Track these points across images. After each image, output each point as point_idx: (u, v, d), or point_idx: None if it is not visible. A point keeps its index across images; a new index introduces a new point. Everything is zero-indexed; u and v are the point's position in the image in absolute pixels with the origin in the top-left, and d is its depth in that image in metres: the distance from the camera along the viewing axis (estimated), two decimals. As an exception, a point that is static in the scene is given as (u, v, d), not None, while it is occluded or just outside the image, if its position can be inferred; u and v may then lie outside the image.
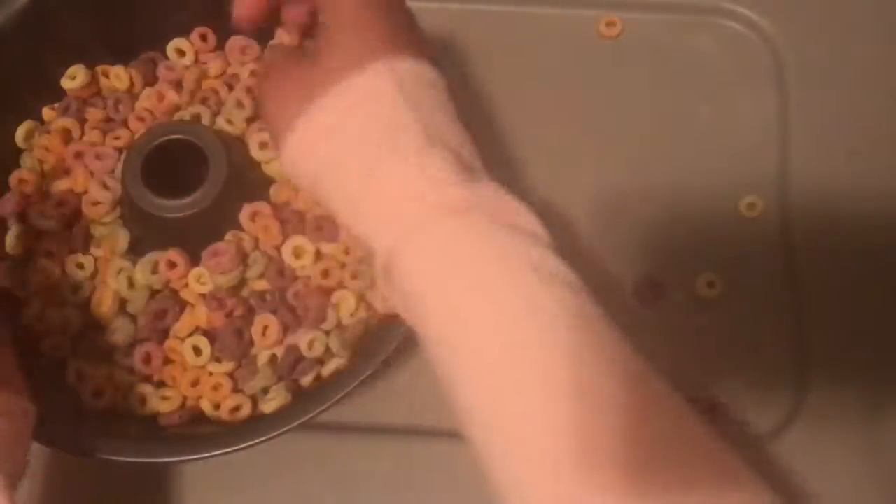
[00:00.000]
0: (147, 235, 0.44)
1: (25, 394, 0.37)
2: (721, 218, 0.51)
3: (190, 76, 0.49)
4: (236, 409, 0.42)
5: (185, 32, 0.50)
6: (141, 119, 0.48)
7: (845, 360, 0.49)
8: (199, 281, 0.43)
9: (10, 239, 0.46)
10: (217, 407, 0.43)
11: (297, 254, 0.43)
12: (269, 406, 0.41)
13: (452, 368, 0.30)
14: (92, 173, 0.46)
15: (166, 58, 0.50)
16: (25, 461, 0.36)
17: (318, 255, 0.44)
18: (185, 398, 0.43)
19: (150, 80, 0.50)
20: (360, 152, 0.31)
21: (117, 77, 0.49)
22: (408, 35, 0.34)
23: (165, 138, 0.43)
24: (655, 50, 0.55)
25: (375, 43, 0.32)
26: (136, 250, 0.45)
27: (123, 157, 0.45)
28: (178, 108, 0.48)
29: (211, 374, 0.43)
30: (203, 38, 0.50)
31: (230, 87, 0.49)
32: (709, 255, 0.50)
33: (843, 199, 0.51)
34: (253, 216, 0.44)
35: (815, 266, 0.50)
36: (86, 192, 0.46)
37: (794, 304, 0.50)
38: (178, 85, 0.49)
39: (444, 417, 0.46)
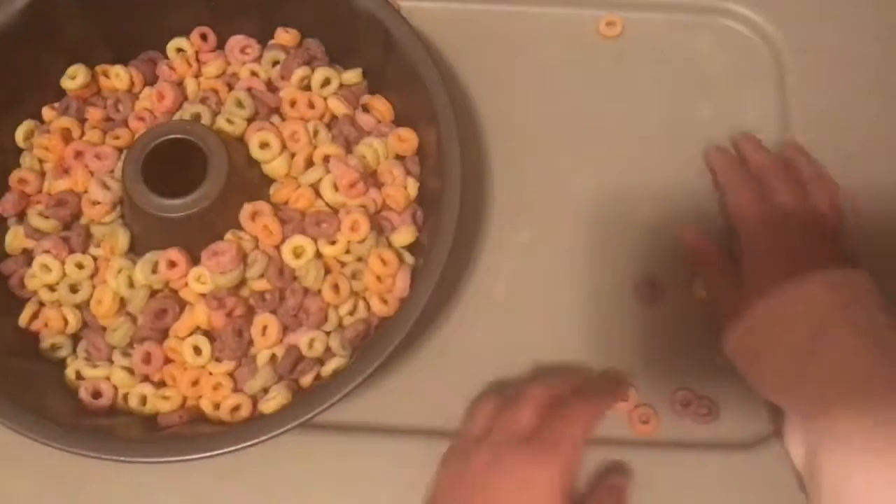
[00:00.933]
0: (147, 235, 0.44)
1: None
2: (721, 218, 0.51)
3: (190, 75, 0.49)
4: (236, 408, 0.42)
5: (185, 32, 0.50)
6: (141, 119, 0.48)
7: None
8: (199, 280, 0.43)
9: (10, 238, 0.46)
10: (217, 407, 0.43)
11: (297, 253, 0.43)
12: (268, 406, 0.41)
13: None
14: (92, 173, 0.46)
15: (166, 57, 0.50)
16: None
17: (318, 255, 0.44)
18: (184, 398, 0.43)
19: (151, 80, 0.50)
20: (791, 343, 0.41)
21: (117, 76, 0.49)
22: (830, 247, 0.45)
23: (165, 138, 0.43)
24: (655, 50, 0.55)
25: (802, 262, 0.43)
26: (136, 250, 0.45)
27: (123, 156, 0.45)
28: (178, 107, 0.48)
29: (211, 373, 0.43)
30: (203, 37, 0.50)
31: (230, 87, 0.49)
32: (709, 255, 0.50)
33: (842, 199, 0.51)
34: (253, 216, 0.44)
35: None
36: (85, 191, 0.46)
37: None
38: (178, 84, 0.49)
39: (444, 417, 0.46)
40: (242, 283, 0.44)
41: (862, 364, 0.39)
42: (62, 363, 0.45)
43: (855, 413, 0.38)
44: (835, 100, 0.53)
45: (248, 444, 0.39)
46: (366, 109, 0.48)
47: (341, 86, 0.48)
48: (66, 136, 0.47)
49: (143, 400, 0.43)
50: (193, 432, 0.41)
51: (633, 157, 0.52)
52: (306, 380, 0.43)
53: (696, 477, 0.46)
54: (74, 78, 0.48)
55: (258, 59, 0.49)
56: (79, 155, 0.46)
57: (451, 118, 0.43)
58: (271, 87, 0.49)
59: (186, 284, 0.43)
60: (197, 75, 0.49)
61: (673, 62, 0.54)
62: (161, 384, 0.44)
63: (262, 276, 0.43)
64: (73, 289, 0.45)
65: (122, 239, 0.44)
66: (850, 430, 0.38)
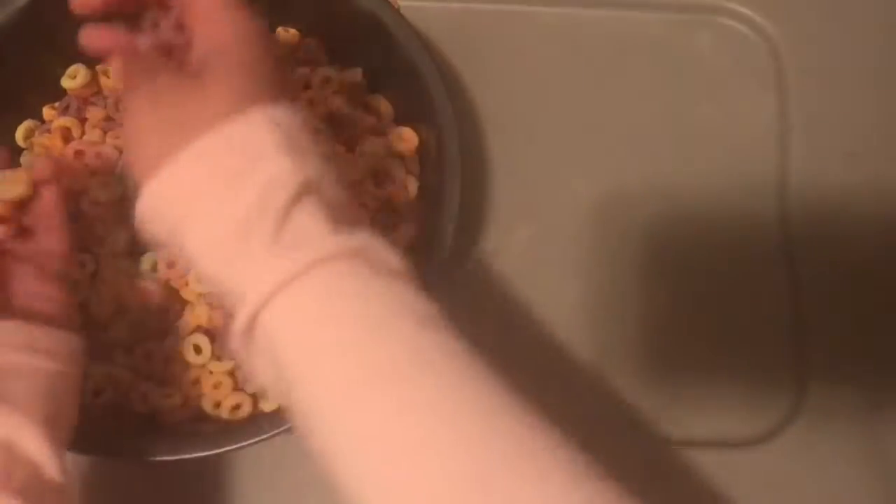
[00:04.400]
0: (147, 234, 0.44)
1: (76, 332, 0.37)
2: (720, 218, 0.51)
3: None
4: (237, 407, 0.42)
5: (185, 32, 0.50)
6: (141, 118, 0.48)
7: (845, 360, 0.49)
8: (199, 280, 0.43)
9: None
10: (218, 405, 0.43)
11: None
12: (269, 404, 0.41)
13: (328, 439, 0.28)
14: (92, 172, 0.46)
15: (167, 57, 0.50)
16: (73, 414, 0.36)
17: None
18: (186, 397, 0.43)
19: (151, 80, 0.50)
20: (232, 204, 0.29)
21: (118, 76, 0.48)
22: (282, 78, 0.33)
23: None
24: (655, 49, 0.55)
25: (256, 88, 0.31)
26: (136, 249, 0.45)
27: (124, 156, 0.45)
28: (178, 107, 0.48)
29: (211, 372, 0.43)
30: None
31: (230, 87, 0.49)
32: (708, 255, 0.50)
33: (842, 198, 0.51)
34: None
35: (815, 266, 0.50)
36: (86, 191, 0.46)
37: (793, 303, 0.50)
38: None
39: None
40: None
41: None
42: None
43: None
44: (834, 99, 0.53)
45: (249, 442, 0.39)
46: (366, 109, 0.48)
47: (341, 85, 0.48)
48: (67, 136, 0.47)
49: (144, 398, 0.43)
50: (194, 430, 0.41)
51: (633, 156, 0.52)
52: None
53: (696, 477, 0.46)
54: (75, 77, 0.48)
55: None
56: (79, 154, 0.46)
57: (450, 117, 0.43)
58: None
59: (187, 284, 0.43)
60: (196, 75, 0.49)
61: (673, 62, 0.54)
62: (162, 382, 0.44)
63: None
64: (74, 288, 0.44)
65: (123, 238, 0.44)
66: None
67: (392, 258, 0.30)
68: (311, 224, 0.29)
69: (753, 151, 0.53)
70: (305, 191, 0.29)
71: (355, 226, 0.31)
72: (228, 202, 0.29)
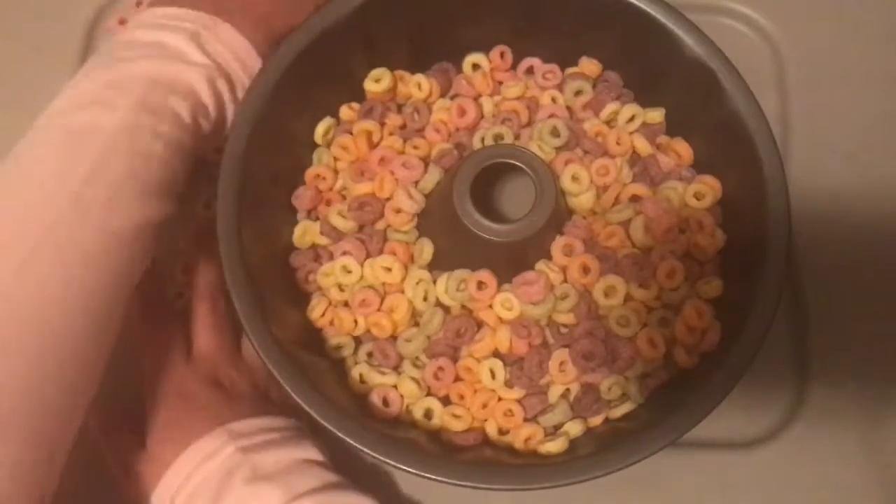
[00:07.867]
0: (451, 251, 0.44)
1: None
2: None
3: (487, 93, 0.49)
4: (529, 438, 0.42)
5: (482, 47, 0.50)
6: (437, 131, 0.48)
7: (845, 360, 0.48)
8: (505, 306, 0.43)
9: (300, 232, 0.47)
10: (502, 432, 0.43)
11: (608, 293, 0.43)
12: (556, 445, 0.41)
13: None
14: (397, 181, 0.46)
15: (459, 70, 0.50)
16: None
17: (628, 297, 0.43)
18: (473, 419, 0.43)
19: (443, 91, 0.50)
20: None
21: (418, 86, 0.48)
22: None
23: (494, 161, 0.42)
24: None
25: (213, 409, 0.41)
26: (434, 263, 0.45)
27: (429, 169, 0.46)
28: (475, 124, 0.48)
29: (500, 399, 0.43)
30: (501, 55, 0.50)
31: (530, 110, 0.48)
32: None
33: (842, 199, 0.51)
34: (565, 249, 0.43)
35: (815, 266, 0.50)
36: (389, 198, 0.46)
37: (793, 303, 0.49)
38: (474, 101, 0.49)
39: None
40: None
41: None
42: (341, 362, 0.45)
43: None
44: (835, 99, 0.53)
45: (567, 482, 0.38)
46: (661, 150, 0.48)
47: (643, 124, 0.48)
48: (369, 140, 0.47)
49: (428, 413, 0.43)
50: (497, 461, 0.41)
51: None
52: (596, 420, 0.43)
53: (696, 477, 0.46)
54: (379, 81, 0.48)
55: (559, 86, 0.49)
56: (383, 161, 0.46)
57: (779, 173, 0.42)
58: (572, 115, 0.48)
59: (489, 307, 0.43)
60: (492, 94, 0.49)
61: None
62: (445, 400, 0.44)
63: (570, 310, 0.43)
64: (369, 292, 0.44)
65: (427, 250, 0.44)
66: None
67: None
68: None
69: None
70: None
71: None
72: None
